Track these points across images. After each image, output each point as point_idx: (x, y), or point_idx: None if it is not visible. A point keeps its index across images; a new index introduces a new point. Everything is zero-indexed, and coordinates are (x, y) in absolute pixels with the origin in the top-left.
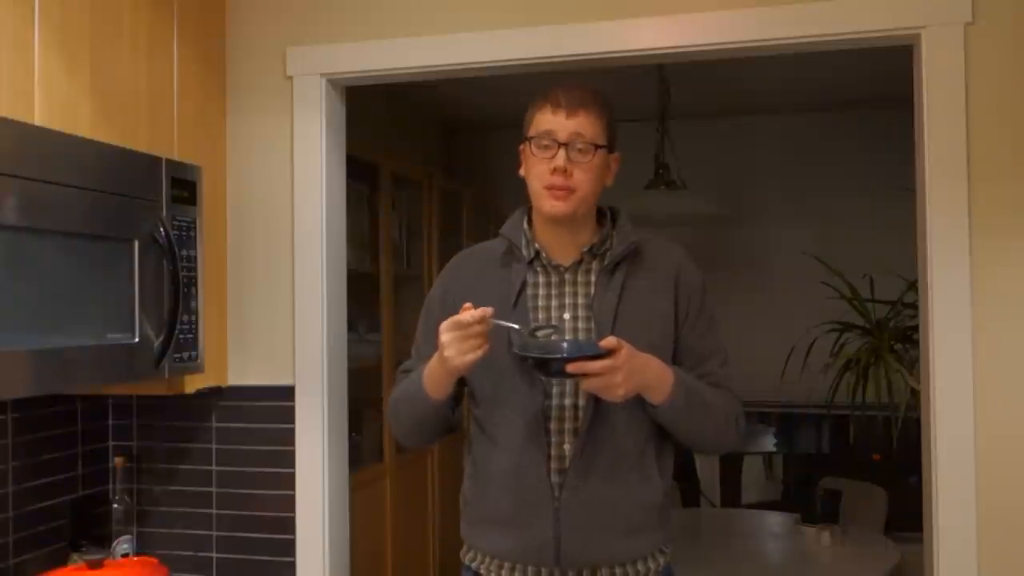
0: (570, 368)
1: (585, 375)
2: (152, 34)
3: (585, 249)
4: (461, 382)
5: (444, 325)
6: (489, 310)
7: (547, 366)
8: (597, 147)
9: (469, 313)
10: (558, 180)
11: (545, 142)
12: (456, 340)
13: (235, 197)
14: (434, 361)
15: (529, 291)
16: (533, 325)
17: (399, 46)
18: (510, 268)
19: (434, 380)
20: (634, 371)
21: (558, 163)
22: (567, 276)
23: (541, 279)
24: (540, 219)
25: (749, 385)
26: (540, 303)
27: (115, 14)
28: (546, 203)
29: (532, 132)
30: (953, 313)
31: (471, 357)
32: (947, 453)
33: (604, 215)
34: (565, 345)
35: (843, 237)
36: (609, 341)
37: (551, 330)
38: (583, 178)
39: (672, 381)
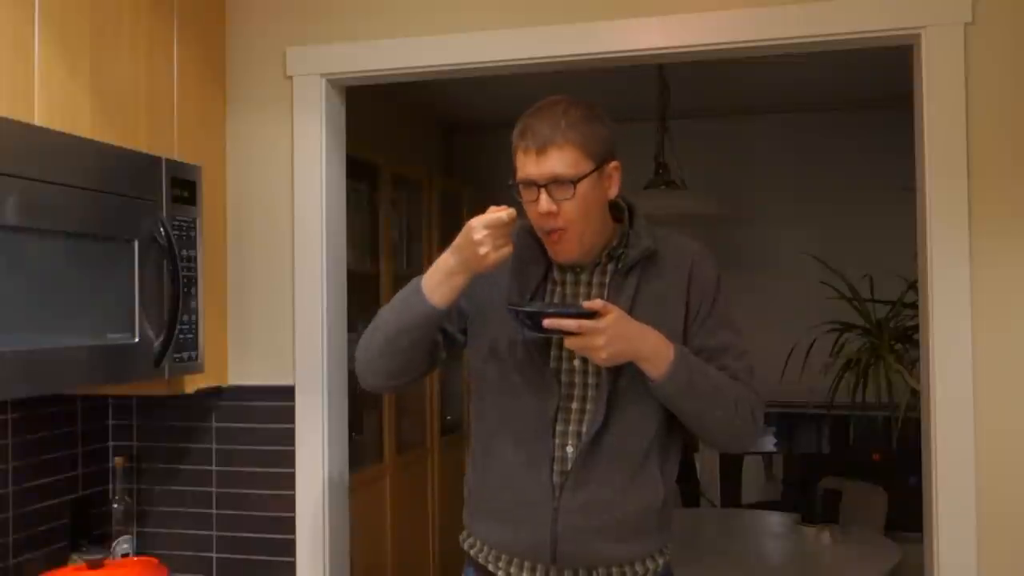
0: (546, 323)
1: (563, 332)
2: (152, 34)
3: (603, 252)
4: (455, 357)
5: (483, 222)
6: (513, 211)
7: (530, 319)
8: (577, 180)
9: (506, 212)
10: (548, 223)
11: (525, 186)
12: (491, 237)
13: (235, 197)
14: (446, 257)
15: (548, 286)
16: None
17: (399, 46)
18: (536, 262)
19: (440, 282)
20: (622, 335)
21: (542, 208)
22: (583, 276)
23: (557, 276)
24: None
25: None
26: (555, 299)
27: (115, 14)
28: (549, 249)
29: (516, 176)
30: (953, 313)
31: (505, 251)
32: (947, 453)
33: (622, 211)
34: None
35: (843, 237)
36: (595, 303)
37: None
38: (573, 213)
39: (672, 357)
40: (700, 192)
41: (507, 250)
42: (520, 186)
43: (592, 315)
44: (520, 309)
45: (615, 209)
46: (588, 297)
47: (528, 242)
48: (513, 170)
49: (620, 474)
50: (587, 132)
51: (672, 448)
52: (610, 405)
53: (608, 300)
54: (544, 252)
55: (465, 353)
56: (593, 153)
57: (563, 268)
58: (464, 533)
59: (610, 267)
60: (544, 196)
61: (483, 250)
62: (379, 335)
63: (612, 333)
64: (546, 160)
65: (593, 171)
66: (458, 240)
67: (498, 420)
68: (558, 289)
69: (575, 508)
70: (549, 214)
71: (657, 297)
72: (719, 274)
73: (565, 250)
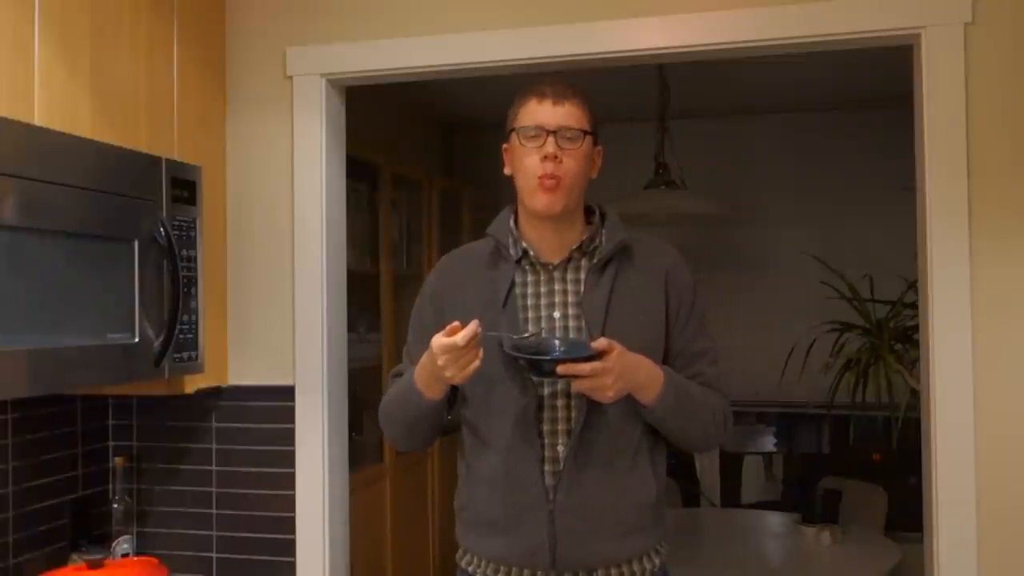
0: (560, 370)
1: (575, 376)
2: (152, 34)
3: (574, 247)
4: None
5: (438, 348)
6: (476, 324)
7: (537, 367)
8: (585, 133)
9: (460, 335)
10: (549, 167)
11: (532, 132)
12: (452, 360)
13: (235, 197)
14: (427, 363)
15: (518, 290)
16: (519, 337)
17: (399, 46)
18: (497, 268)
19: (429, 383)
20: (625, 372)
21: (548, 150)
22: (556, 274)
23: (530, 278)
24: (527, 217)
25: (749, 385)
26: (529, 302)
27: (115, 14)
28: (537, 199)
29: (519, 124)
30: (953, 313)
31: (471, 370)
32: (947, 453)
33: (593, 213)
34: (557, 343)
35: (843, 237)
36: (600, 343)
37: (538, 333)
38: (572, 166)
39: (662, 381)
40: (700, 192)
41: (473, 366)
42: (523, 132)
43: (597, 355)
44: (524, 356)
45: (587, 212)
46: (564, 294)
47: (477, 256)
48: (508, 128)
49: (613, 470)
50: (590, 107)
51: (659, 444)
52: (594, 400)
53: (585, 294)
54: (503, 259)
55: None
56: (592, 124)
57: (535, 267)
58: (460, 551)
59: (584, 262)
60: (552, 140)
61: (448, 373)
62: (399, 425)
63: (618, 370)
64: (561, 109)
65: (593, 137)
66: (426, 355)
67: (485, 429)
68: (530, 290)
69: (572, 508)
70: (554, 158)
71: (634, 292)
72: (693, 278)
73: (554, 199)
